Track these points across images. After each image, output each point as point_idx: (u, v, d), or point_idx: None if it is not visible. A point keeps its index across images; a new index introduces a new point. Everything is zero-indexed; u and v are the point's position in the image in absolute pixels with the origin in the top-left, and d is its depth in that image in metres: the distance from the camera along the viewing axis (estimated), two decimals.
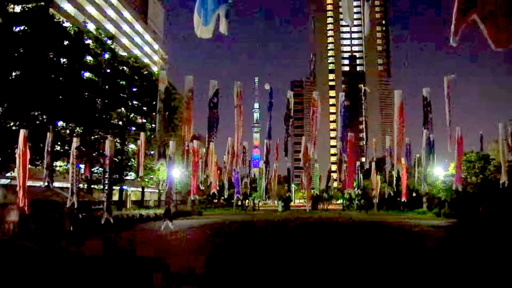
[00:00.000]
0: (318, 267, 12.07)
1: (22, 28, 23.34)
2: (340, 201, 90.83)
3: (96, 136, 31.04)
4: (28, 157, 15.19)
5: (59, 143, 25.71)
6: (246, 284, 9.68)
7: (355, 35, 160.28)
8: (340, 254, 15.24)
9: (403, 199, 21.43)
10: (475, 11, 5.27)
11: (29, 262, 12.84)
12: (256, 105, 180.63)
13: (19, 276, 10.50)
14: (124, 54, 42.22)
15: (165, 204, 13.81)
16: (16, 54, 22.67)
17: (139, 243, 19.02)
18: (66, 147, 25.84)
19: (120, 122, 35.75)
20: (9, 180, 28.14)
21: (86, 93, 29.33)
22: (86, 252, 15.15)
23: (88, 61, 31.37)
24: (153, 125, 34.82)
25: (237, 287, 9.46)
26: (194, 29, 5.95)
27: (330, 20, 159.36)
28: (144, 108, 37.25)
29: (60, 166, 28.52)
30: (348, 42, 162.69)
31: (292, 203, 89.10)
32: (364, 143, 19.99)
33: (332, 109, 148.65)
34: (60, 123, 27.76)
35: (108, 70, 33.59)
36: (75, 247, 16.55)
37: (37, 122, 24.04)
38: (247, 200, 73.61)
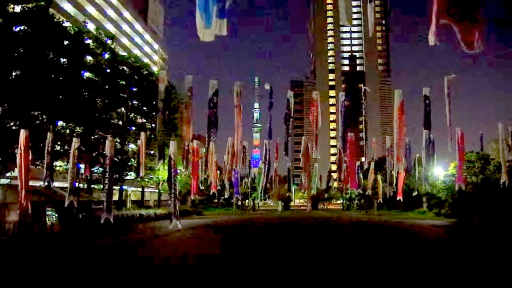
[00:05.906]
0: (320, 269, 12.07)
1: (22, 28, 23.29)
2: (340, 201, 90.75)
3: (96, 136, 31.00)
4: (31, 157, 15.19)
5: (59, 143, 25.68)
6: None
7: (355, 35, 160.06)
8: (341, 255, 15.25)
9: (398, 198, 21.42)
10: (449, 14, 5.36)
11: None
12: (256, 105, 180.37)
13: None
14: (124, 54, 42.12)
15: (173, 203, 13.77)
16: (16, 54, 22.63)
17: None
18: (66, 147, 25.81)
19: (120, 122, 35.71)
20: (9, 180, 28.10)
21: (86, 93, 29.28)
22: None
23: (88, 61, 31.30)
24: (153, 125, 34.77)
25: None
26: (194, 30, 5.95)
27: (330, 20, 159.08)
28: (144, 108, 37.21)
29: (60, 166, 28.48)
30: (348, 42, 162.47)
31: (292, 203, 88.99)
32: (364, 143, 19.97)
33: (332, 109, 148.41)
34: (60, 123, 27.70)
35: (108, 70, 33.53)
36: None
37: (37, 122, 24.01)
38: (247, 200, 73.50)
